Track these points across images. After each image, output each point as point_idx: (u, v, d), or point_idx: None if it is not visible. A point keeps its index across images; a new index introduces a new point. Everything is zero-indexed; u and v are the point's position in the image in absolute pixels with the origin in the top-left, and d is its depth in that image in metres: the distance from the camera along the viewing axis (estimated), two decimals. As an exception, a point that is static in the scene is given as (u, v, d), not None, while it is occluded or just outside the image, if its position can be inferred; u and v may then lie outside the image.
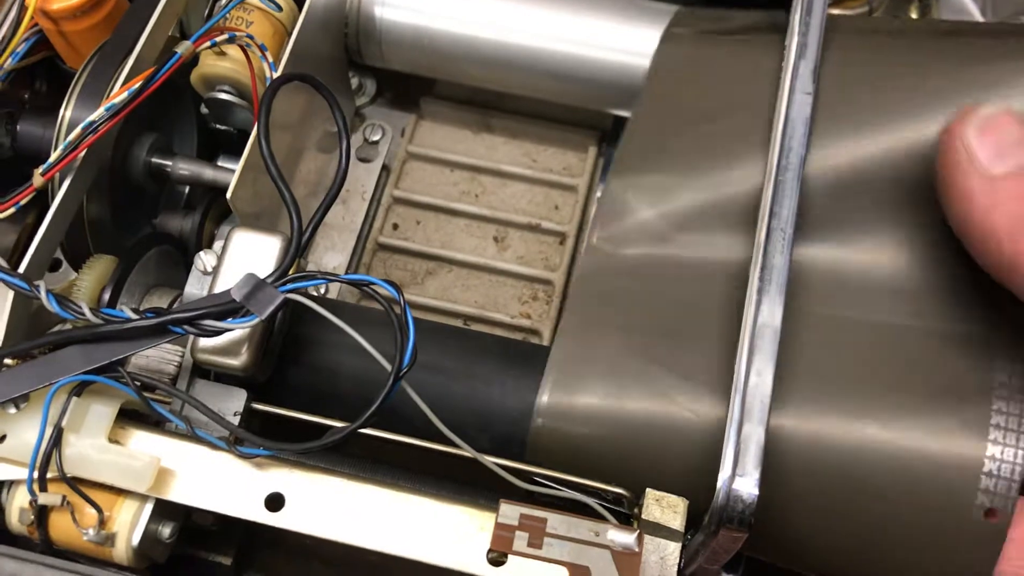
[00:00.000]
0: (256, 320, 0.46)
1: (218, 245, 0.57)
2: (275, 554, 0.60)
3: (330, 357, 0.55)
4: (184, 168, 0.61)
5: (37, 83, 0.64)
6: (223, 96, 0.60)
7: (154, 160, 0.60)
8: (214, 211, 0.63)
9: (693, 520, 0.49)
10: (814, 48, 0.58)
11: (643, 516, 0.49)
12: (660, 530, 0.49)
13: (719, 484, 0.48)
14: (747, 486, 0.48)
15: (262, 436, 0.48)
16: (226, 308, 0.46)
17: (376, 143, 0.73)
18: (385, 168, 0.73)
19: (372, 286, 0.47)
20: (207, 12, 0.61)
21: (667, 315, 0.54)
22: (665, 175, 0.58)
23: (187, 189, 0.67)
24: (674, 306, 0.54)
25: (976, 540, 0.49)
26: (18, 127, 0.61)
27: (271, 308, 0.46)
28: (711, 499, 0.48)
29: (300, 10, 0.62)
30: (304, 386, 0.55)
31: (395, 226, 0.72)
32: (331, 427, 0.52)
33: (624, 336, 0.54)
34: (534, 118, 0.74)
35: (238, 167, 0.54)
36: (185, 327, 0.46)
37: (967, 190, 0.44)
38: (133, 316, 0.46)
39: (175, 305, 0.57)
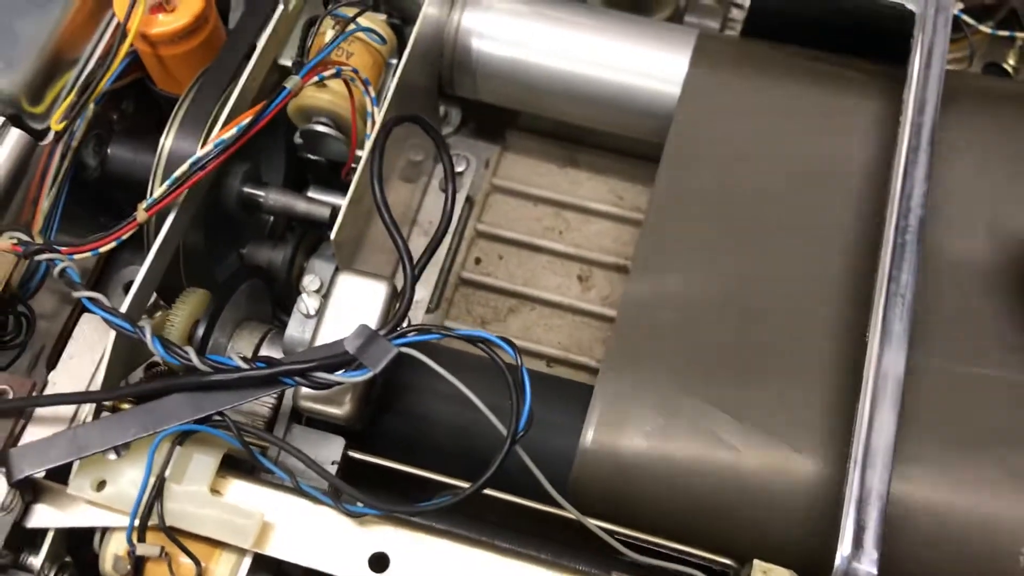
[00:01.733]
0: (370, 374, 0.44)
1: (308, 280, 0.56)
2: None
3: (428, 405, 0.53)
4: (277, 200, 0.59)
5: (125, 104, 0.63)
6: (320, 128, 0.58)
7: (246, 190, 0.59)
8: (303, 243, 0.62)
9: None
10: (933, 103, 0.56)
11: (750, 589, 0.47)
12: (763, 605, 0.47)
13: (837, 562, 0.46)
14: (866, 566, 0.46)
15: (350, 481, 0.47)
16: (339, 361, 0.45)
17: (460, 174, 0.72)
18: (469, 200, 0.71)
19: (488, 344, 0.46)
20: (304, 41, 0.60)
21: (718, 353, 0.53)
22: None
23: (272, 217, 0.65)
24: (725, 344, 0.53)
25: None
26: (109, 151, 0.60)
27: (384, 362, 0.45)
28: (759, 544, 0.48)
29: (398, 39, 0.61)
30: (399, 433, 0.54)
31: (477, 260, 0.70)
32: (428, 479, 0.50)
33: (674, 371, 0.52)
34: (621, 154, 0.72)
35: (343, 207, 0.52)
36: (296, 379, 0.45)
37: None
38: (243, 365, 0.45)
39: (264, 341, 0.55)
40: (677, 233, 0.57)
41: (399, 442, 0.53)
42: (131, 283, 0.64)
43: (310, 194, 0.62)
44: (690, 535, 0.50)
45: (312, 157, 0.62)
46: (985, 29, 0.72)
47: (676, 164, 0.59)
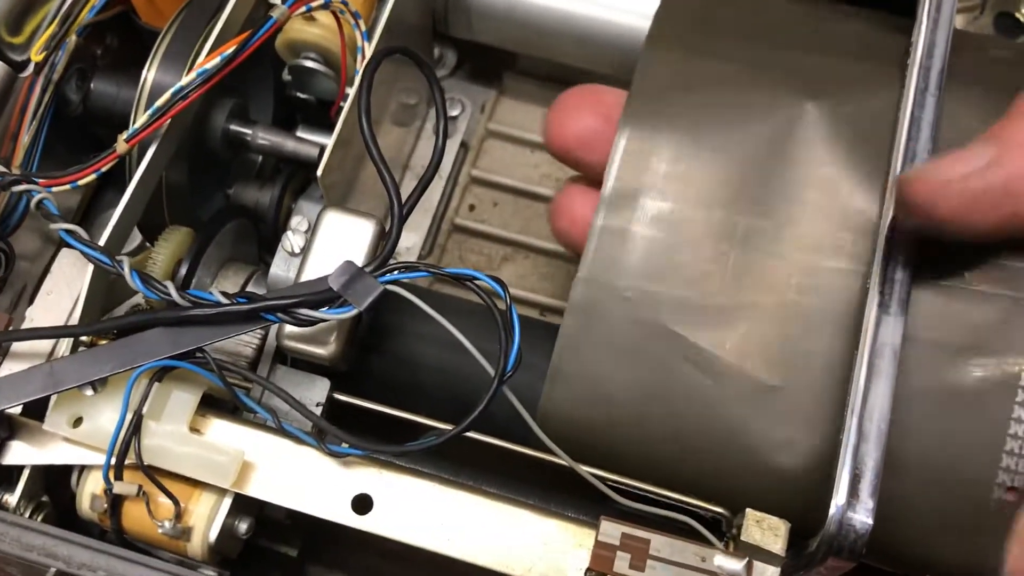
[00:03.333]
0: (354, 312, 0.43)
1: (295, 221, 0.54)
2: (338, 546, 0.58)
3: (414, 348, 0.52)
4: (264, 138, 0.57)
5: (108, 38, 0.61)
6: (309, 64, 0.57)
7: (232, 127, 0.57)
8: (292, 184, 0.60)
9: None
10: (942, 46, 0.54)
11: (742, 537, 0.46)
12: (759, 553, 0.46)
13: (831, 511, 0.45)
14: (861, 516, 0.45)
15: (335, 424, 0.45)
16: (323, 297, 0.43)
17: (455, 119, 0.70)
18: (463, 145, 0.70)
19: (476, 282, 0.44)
20: (293, -27, 0.58)
21: (696, 279, 0.50)
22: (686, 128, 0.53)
23: (260, 158, 0.63)
24: (704, 272, 0.50)
25: None
26: (92, 85, 0.58)
27: (370, 299, 0.43)
28: (735, 477, 0.47)
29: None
30: (385, 376, 0.52)
31: (471, 207, 0.69)
32: (414, 423, 0.49)
33: (637, 298, 0.50)
34: (621, 100, 0.70)
35: (330, 143, 0.51)
36: (279, 315, 0.43)
37: None
38: (224, 300, 0.43)
39: (250, 282, 0.54)
40: (653, 159, 0.54)
41: (384, 385, 0.52)
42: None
43: (299, 134, 0.61)
44: (669, 477, 0.48)
45: (301, 95, 0.60)
46: (998, -24, 0.70)
47: (646, 96, 0.54)
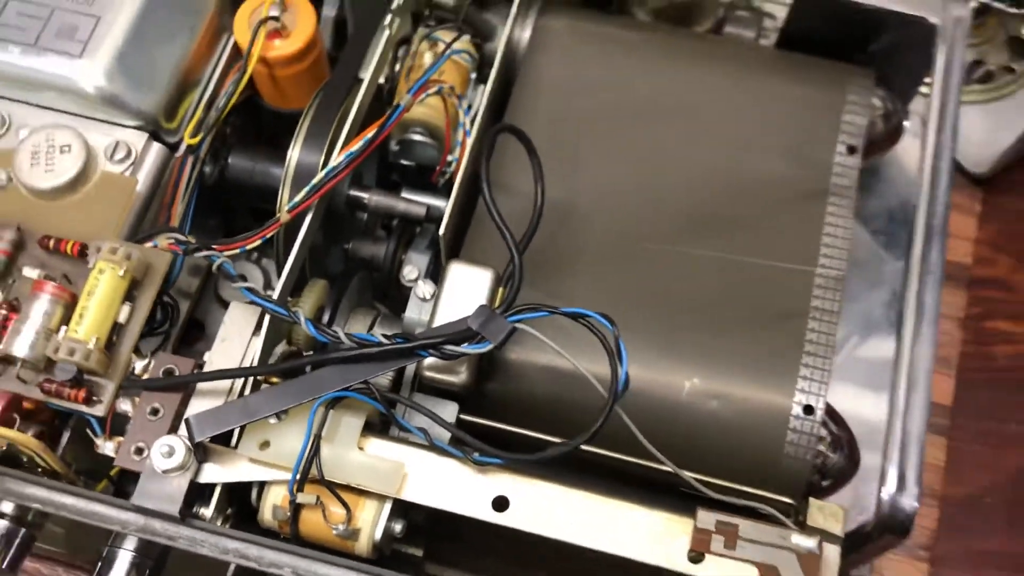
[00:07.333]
0: (491, 346, 0.53)
1: (407, 270, 0.64)
2: (454, 548, 0.67)
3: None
4: (379, 201, 0.67)
5: (234, 117, 0.71)
6: (417, 137, 0.67)
7: (352, 192, 0.67)
8: (403, 239, 0.70)
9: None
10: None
11: (808, 523, 0.56)
12: (821, 535, 0.56)
13: (884, 497, 0.55)
14: (909, 499, 0.55)
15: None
16: (464, 336, 0.53)
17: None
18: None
19: (588, 319, 0.54)
20: (394, 60, 0.68)
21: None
22: None
23: (366, 215, 0.73)
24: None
25: None
26: (228, 160, 0.68)
27: (503, 336, 0.53)
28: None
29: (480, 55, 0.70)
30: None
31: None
32: (529, 438, 0.59)
33: None
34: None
35: (448, 206, 0.61)
36: (431, 351, 0.53)
37: None
38: (385, 341, 0.53)
39: (375, 324, 0.63)
40: None
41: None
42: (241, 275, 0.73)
43: (404, 195, 0.70)
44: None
45: (404, 162, 0.70)
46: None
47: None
